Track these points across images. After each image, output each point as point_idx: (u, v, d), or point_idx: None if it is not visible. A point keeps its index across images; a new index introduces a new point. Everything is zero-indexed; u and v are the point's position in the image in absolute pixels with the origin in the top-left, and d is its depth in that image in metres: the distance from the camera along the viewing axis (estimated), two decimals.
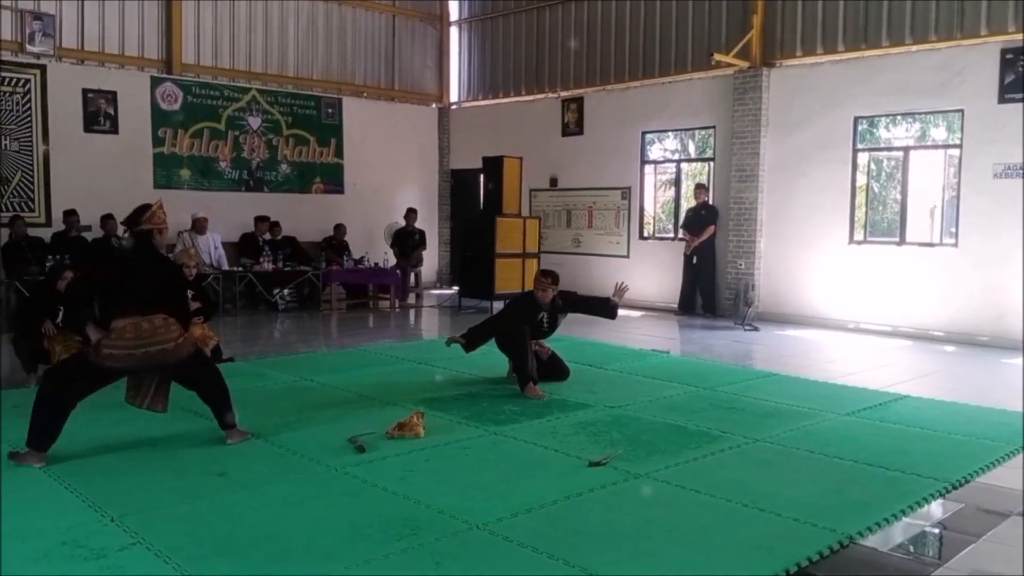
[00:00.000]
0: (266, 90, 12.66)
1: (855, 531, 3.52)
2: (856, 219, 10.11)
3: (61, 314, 6.28)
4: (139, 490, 3.91)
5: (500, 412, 5.50)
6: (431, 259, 14.38)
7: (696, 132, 11.88)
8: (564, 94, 13.02)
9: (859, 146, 10.05)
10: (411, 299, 12.54)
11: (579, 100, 12.78)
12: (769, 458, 4.61)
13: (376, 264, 11.99)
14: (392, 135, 14.07)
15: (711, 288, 10.95)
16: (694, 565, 3.18)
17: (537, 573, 3.10)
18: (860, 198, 10.24)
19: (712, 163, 11.41)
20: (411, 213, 12.99)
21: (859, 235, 10.12)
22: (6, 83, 10.36)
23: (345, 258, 11.88)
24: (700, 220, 10.93)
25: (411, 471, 4.24)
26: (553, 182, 13.09)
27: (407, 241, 12.82)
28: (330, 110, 13.35)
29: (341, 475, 4.18)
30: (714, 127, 11.22)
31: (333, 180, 13.42)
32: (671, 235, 12.07)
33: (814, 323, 10.07)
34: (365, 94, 13.90)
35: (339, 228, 12.47)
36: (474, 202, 14.33)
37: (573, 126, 12.84)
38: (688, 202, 11.72)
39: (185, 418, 5.28)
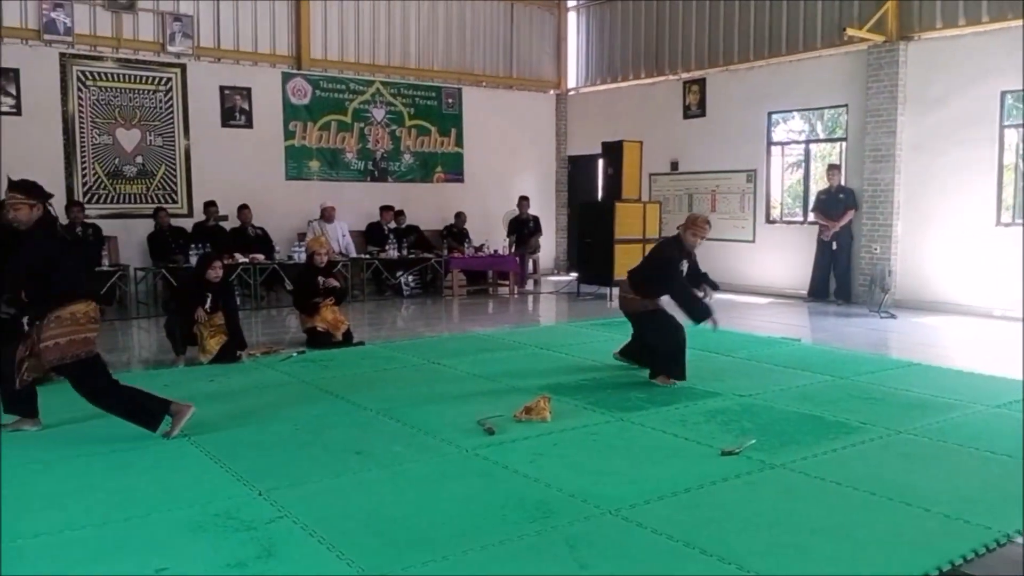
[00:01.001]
0: (389, 82, 12.96)
1: (1013, 529, 3.30)
2: (1003, 200, 9.45)
3: (209, 300, 6.64)
4: (284, 466, 4.09)
5: (626, 399, 5.45)
6: (548, 246, 14.39)
7: (825, 111, 11.39)
8: (685, 76, 12.73)
9: (1006, 123, 9.38)
10: (529, 285, 12.61)
11: (701, 81, 12.47)
12: (914, 451, 4.38)
13: (495, 251, 12.10)
14: (510, 123, 14.15)
15: (846, 274, 10.49)
16: (840, 559, 3.06)
17: (673, 560, 3.05)
18: (1007, 177, 9.57)
19: (844, 143, 10.91)
20: (523, 201, 13.03)
21: (1007, 217, 9.46)
22: (149, 82, 11.01)
23: (466, 245, 12.06)
24: (839, 203, 10.46)
25: (540, 454, 4.26)
26: (674, 166, 12.84)
27: (522, 228, 12.89)
28: (450, 100, 13.54)
29: (472, 456, 4.25)
30: (846, 105, 10.72)
31: (454, 169, 13.62)
32: (799, 219, 11.63)
33: (955, 310, 9.50)
34: (484, 83, 14.02)
35: (459, 216, 12.66)
36: (591, 188, 14.25)
37: (695, 108, 12.55)
38: (817, 184, 11.26)
39: (323, 399, 5.49)
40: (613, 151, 11.16)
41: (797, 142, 11.94)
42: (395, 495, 3.70)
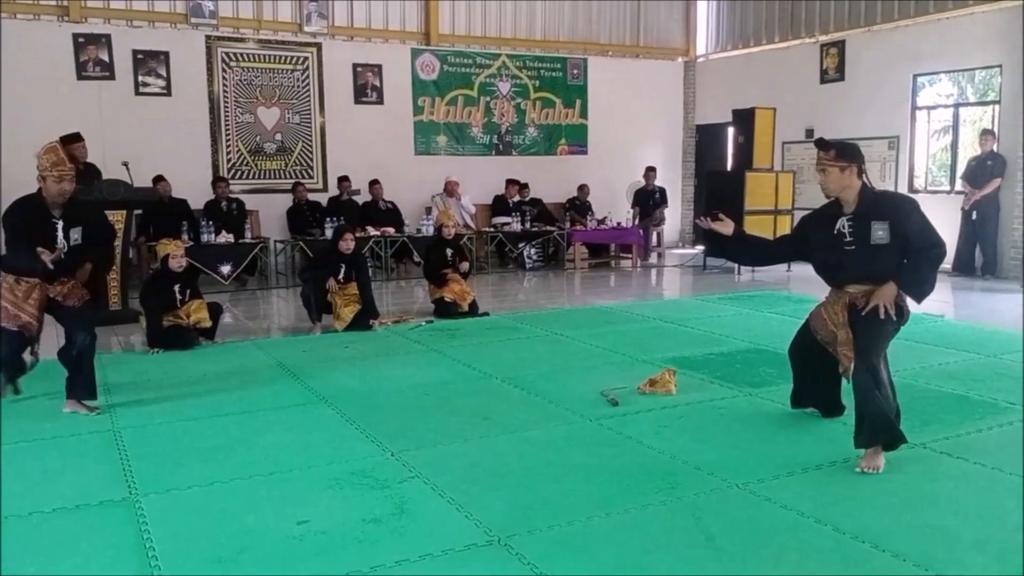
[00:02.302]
0: (515, 55, 13.00)
1: None
2: None
3: (343, 271, 6.93)
4: (415, 429, 4.24)
5: (755, 374, 5.32)
6: (673, 217, 14.14)
7: (976, 73, 10.61)
8: (823, 38, 12.14)
9: None
10: (653, 258, 12.45)
11: (840, 44, 11.86)
12: None
13: (619, 223, 11.99)
14: (636, 92, 13.92)
15: (993, 247, 9.80)
16: (985, 543, 2.90)
17: (803, 536, 2.98)
18: None
19: (997, 107, 10.15)
20: (650, 172, 12.83)
21: None
22: (288, 61, 11.49)
23: (588, 218, 12.01)
24: (985, 171, 9.77)
25: (665, 427, 4.24)
26: (809, 133, 12.30)
27: (647, 200, 12.70)
28: (575, 71, 13.45)
29: (596, 426, 4.27)
30: (1000, 66, 9.95)
31: (578, 141, 13.55)
32: (946, 188, 10.94)
33: None
34: (610, 52, 13.83)
35: (582, 188, 12.61)
36: (720, 158, 13.87)
37: (833, 72, 11.97)
38: (967, 151, 10.54)
39: (451, 366, 5.65)
40: (744, 119, 10.81)
41: (945, 106, 11.18)
42: (521, 460, 3.78)
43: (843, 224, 3.84)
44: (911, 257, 3.81)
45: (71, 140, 8.01)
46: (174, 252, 6.28)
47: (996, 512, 3.17)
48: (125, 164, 7.67)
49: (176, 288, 6.25)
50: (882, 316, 3.77)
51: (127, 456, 3.87)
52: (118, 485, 3.52)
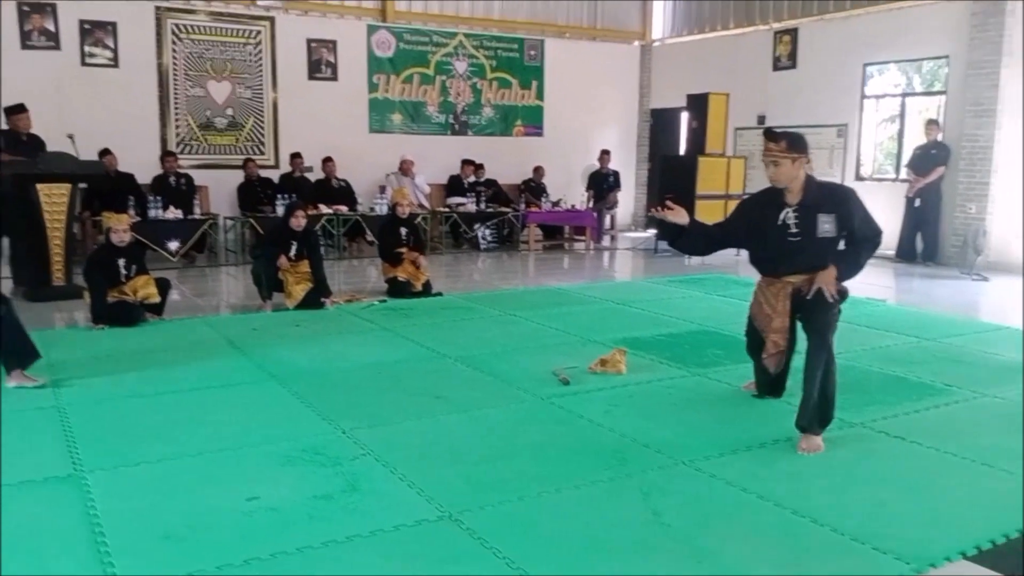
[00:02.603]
0: (472, 34, 12.93)
1: None
2: None
3: (294, 248, 6.86)
4: (367, 407, 4.24)
5: (703, 355, 5.43)
6: (626, 201, 14.24)
7: (924, 64, 10.86)
8: (776, 26, 12.30)
9: None
10: (606, 241, 12.55)
11: (792, 32, 12.04)
12: (1001, 414, 4.26)
13: (573, 206, 12.05)
14: (592, 75, 13.96)
15: (935, 234, 10.09)
16: (918, 517, 3.02)
17: (746, 512, 3.07)
18: None
19: (943, 97, 10.42)
20: (605, 155, 12.91)
21: None
22: (240, 35, 11.27)
23: (543, 200, 12.05)
24: (930, 160, 10.04)
25: (615, 405, 4.31)
26: (761, 120, 12.48)
27: (602, 183, 12.78)
28: (532, 52, 13.44)
29: (548, 404, 4.32)
30: (947, 57, 10.21)
31: (534, 123, 13.56)
32: (891, 176, 11.21)
33: None
34: (567, 34, 13.84)
35: (538, 170, 12.63)
36: (674, 143, 14.01)
37: (785, 60, 12.15)
38: (913, 140, 10.80)
39: (404, 345, 5.64)
40: (698, 104, 10.93)
41: (893, 95, 11.43)
42: (473, 438, 3.81)
43: (788, 215, 3.84)
44: (853, 245, 3.90)
45: (14, 111, 7.80)
46: (115, 226, 6.13)
47: (932, 489, 3.30)
48: (71, 136, 7.45)
49: (121, 263, 6.11)
50: (829, 300, 3.82)
51: (72, 433, 3.81)
52: (63, 462, 3.46)
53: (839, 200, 3.86)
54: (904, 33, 10.61)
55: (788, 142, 3.79)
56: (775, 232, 3.87)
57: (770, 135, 3.88)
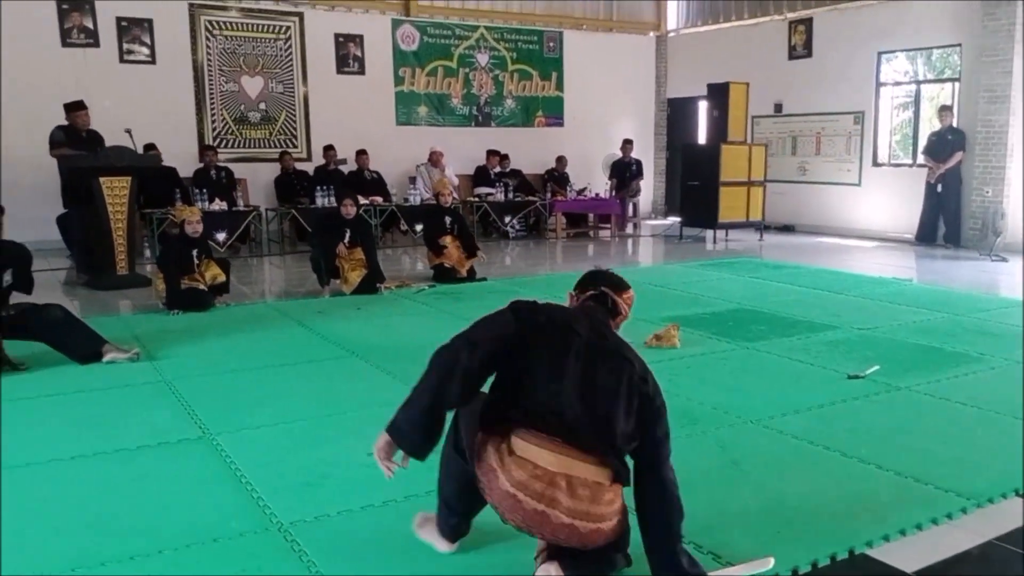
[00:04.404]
0: (493, 27, 13.23)
1: None
2: None
3: (347, 236, 7.20)
4: None
5: (748, 330, 5.76)
6: (646, 189, 14.56)
7: (934, 52, 11.18)
8: (791, 15, 12.60)
9: None
10: (629, 228, 12.87)
11: (808, 21, 12.34)
12: None
13: (597, 194, 12.37)
14: (610, 66, 14.26)
15: (955, 217, 10.42)
16: (980, 463, 3.36)
17: (818, 460, 3.41)
18: None
19: (956, 84, 10.73)
20: (627, 144, 13.21)
21: None
22: (270, 30, 11.57)
23: (568, 189, 12.37)
24: (947, 145, 10.35)
25: (676, 374, 4.64)
26: (777, 108, 12.81)
27: (624, 172, 13.10)
28: (551, 44, 13.74)
29: None
30: (959, 45, 10.52)
31: (554, 113, 13.88)
32: (907, 162, 11.53)
33: None
34: (585, 26, 14.14)
35: (560, 160, 12.94)
36: (691, 131, 14.33)
37: (800, 48, 12.45)
38: (928, 126, 11.12)
39: (461, 324, 5.97)
40: (719, 93, 11.23)
41: (907, 83, 11.74)
42: None
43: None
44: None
45: (74, 108, 8.12)
46: (189, 218, 6.49)
47: (978, 440, 3.65)
48: (128, 131, 7.78)
49: (194, 253, 6.46)
50: None
51: (187, 402, 4.16)
52: (189, 426, 3.81)
53: None
54: (916, 22, 10.92)
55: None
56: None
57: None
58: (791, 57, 12.61)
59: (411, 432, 2.35)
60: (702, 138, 13.44)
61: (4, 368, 4.70)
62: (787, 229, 12.25)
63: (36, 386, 4.48)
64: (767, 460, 3.42)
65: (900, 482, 3.19)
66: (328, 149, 11.28)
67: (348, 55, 12.15)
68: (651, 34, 14.91)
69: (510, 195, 11.93)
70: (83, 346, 4.84)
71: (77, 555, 2.60)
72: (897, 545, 2.71)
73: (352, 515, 2.90)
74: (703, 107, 13.43)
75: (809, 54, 12.36)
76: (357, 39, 12.17)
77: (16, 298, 4.98)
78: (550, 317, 2.42)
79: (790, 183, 12.49)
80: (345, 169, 11.34)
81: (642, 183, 13.61)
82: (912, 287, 7.62)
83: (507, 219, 11.82)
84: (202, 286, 6.44)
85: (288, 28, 11.70)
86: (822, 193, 12.14)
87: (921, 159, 10.86)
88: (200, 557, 2.61)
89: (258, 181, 11.24)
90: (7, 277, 4.77)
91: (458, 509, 2.57)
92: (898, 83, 11.78)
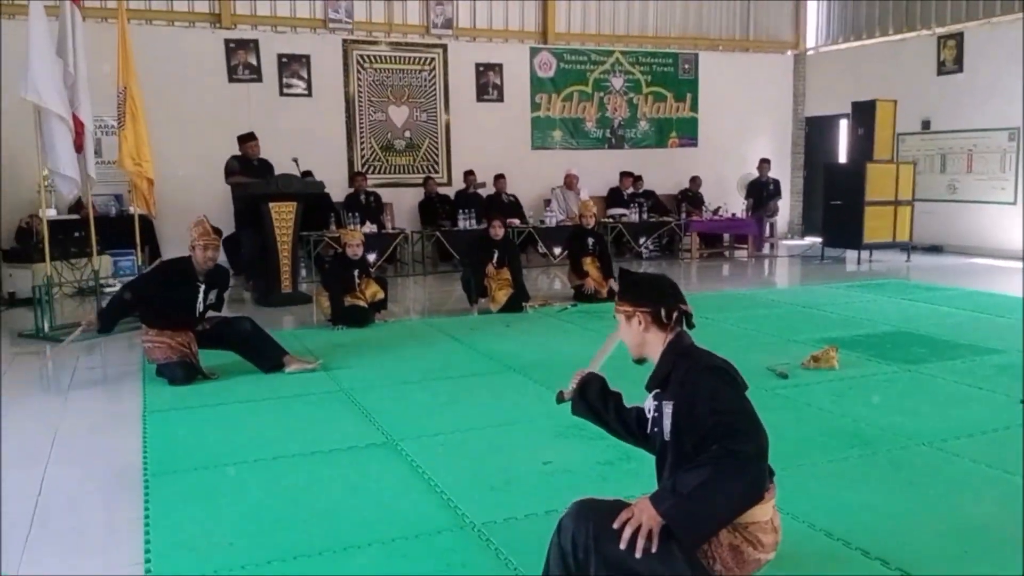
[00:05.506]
0: (628, 51, 13.39)
1: None
2: None
3: (495, 256, 7.48)
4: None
5: (908, 352, 5.64)
6: (783, 209, 14.29)
7: None
8: (940, 30, 12.16)
9: None
10: (766, 249, 12.68)
11: (958, 36, 11.88)
12: None
13: (733, 215, 12.27)
14: (746, 86, 14.13)
15: None
16: None
17: (999, 484, 3.34)
18: None
19: None
20: (764, 163, 13.04)
21: None
22: (416, 62, 12.14)
23: (703, 209, 12.32)
24: None
25: (840, 396, 4.62)
26: (925, 125, 12.36)
27: (761, 191, 12.92)
28: (687, 66, 13.76)
29: (773, 395, 4.68)
30: None
31: (688, 134, 13.87)
32: None
33: None
34: (720, 47, 14.09)
35: (694, 180, 12.92)
36: (830, 150, 13.99)
37: (951, 64, 11.99)
38: None
39: None
40: (864, 111, 10.96)
41: None
42: None
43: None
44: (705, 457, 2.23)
45: (247, 139, 8.78)
46: (350, 241, 6.93)
47: None
48: (295, 160, 8.37)
49: (355, 273, 6.89)
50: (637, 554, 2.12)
51: (367, 410, 4.47)
52: (373, 432, 4.11)
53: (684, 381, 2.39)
54: None
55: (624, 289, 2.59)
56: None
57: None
58: (940, 72, 12.16)
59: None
60: (842, 157, 13.12)
61: (198, 377, 5.18)
62: (934, 249, 11.78)
63: (229, 394, 4.91)
64: (945, 482, 3.39)
65: None
66: (468, 174, 11.70)
67: (488, 83, 12.57)
68: (789, 52, 14.69)
69: (644, 216, 12.00)
70: (270, 357, 5.26)
71: (294, 546, 2.88)
72: None
73: (538, 518, 3.07)
74: (843, 125, 13.12)
75: (960, 69, 11.89)
76: (497, 68, 12.58)
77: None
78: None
79: (940, 202, 12.00)
80: (484, 193, 11.72)
81: (779, 203, 13.40)
82: None
83: (641, 240, 11.90)
84: (363, 303, 6.85)
85: (432, 60, 12.23)
86: (973, 212, 11.61)
87: None
88: (406, 551, 2.85)
89: (403, 205, 11.76)
90: (211, 297, 5.26)
91: None
92: None
